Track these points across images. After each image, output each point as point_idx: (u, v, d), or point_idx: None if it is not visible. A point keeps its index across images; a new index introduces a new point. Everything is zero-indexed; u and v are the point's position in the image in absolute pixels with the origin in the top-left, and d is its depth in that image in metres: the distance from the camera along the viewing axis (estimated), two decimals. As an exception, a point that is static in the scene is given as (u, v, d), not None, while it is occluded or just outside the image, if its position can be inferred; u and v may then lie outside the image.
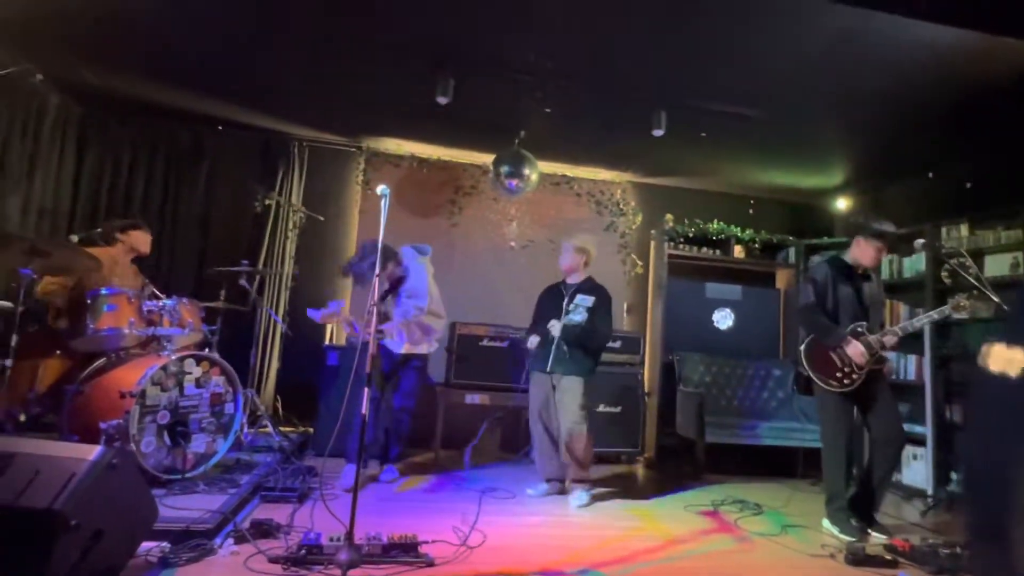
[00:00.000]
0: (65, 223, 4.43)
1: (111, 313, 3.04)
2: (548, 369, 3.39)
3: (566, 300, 3.47)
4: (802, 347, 3.17)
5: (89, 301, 3.03)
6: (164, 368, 2.90)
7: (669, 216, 5.27)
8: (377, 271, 2.48)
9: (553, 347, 3.36)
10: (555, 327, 3.38)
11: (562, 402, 3.37)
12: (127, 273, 3.60)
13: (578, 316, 3.36)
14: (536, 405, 3.49)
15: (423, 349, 3.58)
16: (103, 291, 3.07)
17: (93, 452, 1.84)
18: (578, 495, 3.35)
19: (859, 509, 3.10)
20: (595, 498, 3.42)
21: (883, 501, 3.19)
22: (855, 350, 2.99)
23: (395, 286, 3.51)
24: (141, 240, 3.63)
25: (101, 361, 3.06)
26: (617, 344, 4.61)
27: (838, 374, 3.04)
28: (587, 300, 3.40)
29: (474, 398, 4.31)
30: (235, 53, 3.64)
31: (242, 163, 4.90)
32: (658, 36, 3.12)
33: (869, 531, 3.06)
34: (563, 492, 3.50)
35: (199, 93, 4.26)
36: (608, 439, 4.43)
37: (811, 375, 3.11)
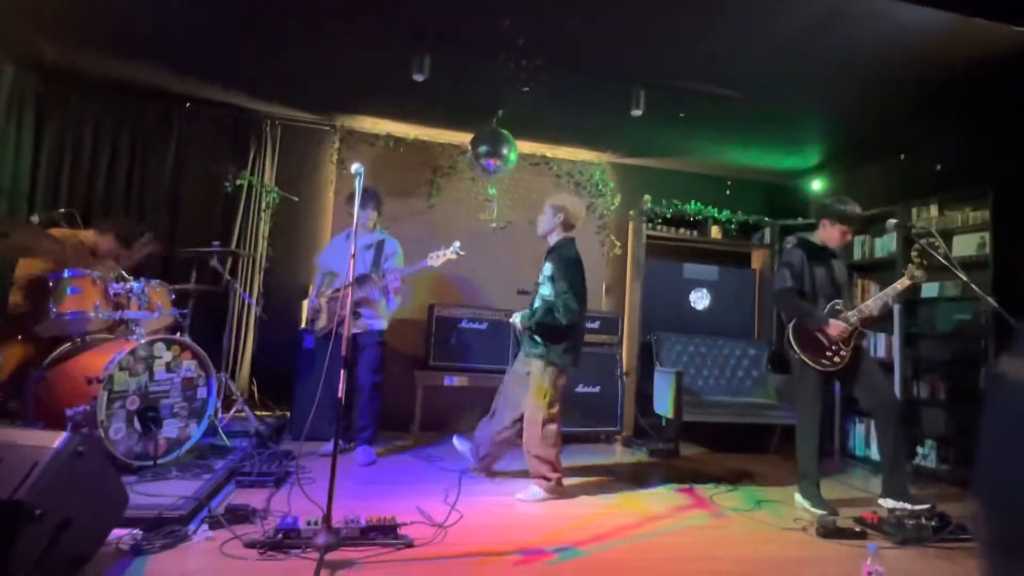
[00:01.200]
0: (25, 203, 4.25)
1: (75, 296, 2.93)
2: (521, 350, 3.28)
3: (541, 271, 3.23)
4: (789, 330, 3.17)
5: (51, 284, 2.92)
6: (133, 352, 2.82)
7: (647, 197, 5.27)
8: (352, 250, 2.43)
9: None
10: (515, 320, 3.22)
11: (528, 388, 3.13)
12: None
13: (546, 290, 3.11)
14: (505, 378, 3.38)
15: (382, 324, 3.66)
16: (66, 273, 2.95)
17: (58, 439, 1.78)
18: (528, 489, 3.07)
19: (894, 491, 3.03)
20: (555, 494, 3.07)
21: (909, 473, 3.14)
22: (836, 328, 3.05)
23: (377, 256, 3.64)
24: (93, 237, 3.48)
25: (66, 346, 2.96)
26: (596, 324, 4.63)
27: (828, 353, 3.09)
28: (547, 268, 3.13)
29: (452, 380, 4.30)
30: (203, 27, 3.49)
31: (212, 141, 4.74)
32: (638, 14, 3.07)
33: (907, 505, 2.93)
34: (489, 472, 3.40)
35: (165, 68, 4.10)
36: (587, 418, 4.47)
37: (802, 357, 3.10)
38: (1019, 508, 0.52)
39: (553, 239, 3.22)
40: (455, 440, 3.51)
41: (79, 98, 4.45)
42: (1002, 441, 0.54)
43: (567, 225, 3.20)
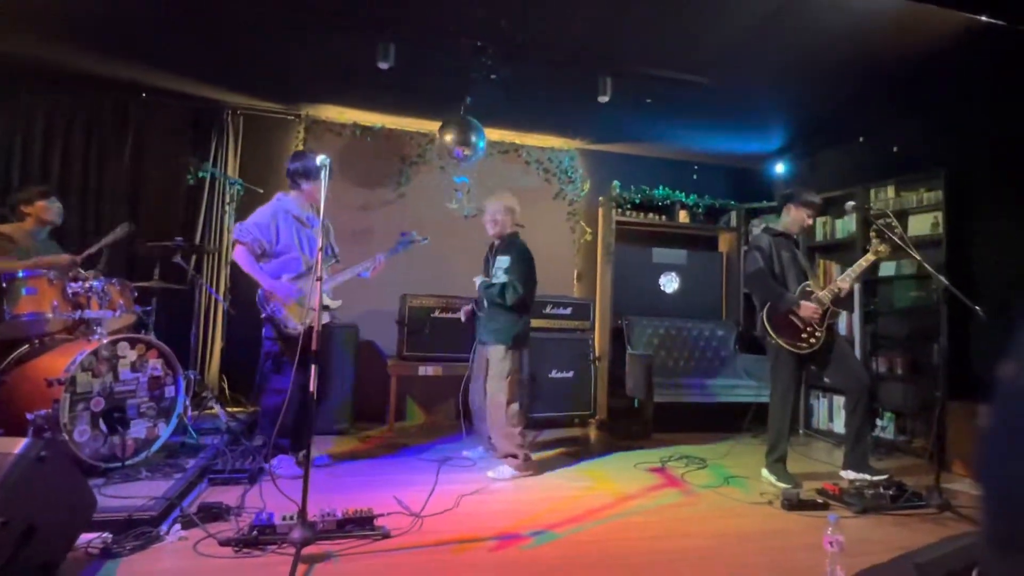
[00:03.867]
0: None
1: (31, 297, 2.82)
2: (477, 337, 3.50)
3: (491, 263, 3.49)
4: (763, 316, 3.24)
5: (4, 285, 2.81)
6: (95, 353, 2.75)
7: (616, 183, 5.31)
8: (320, 244, 2.39)
9: (480, 313, 3.46)
10: (477, 280, 3.47)
11: (489, 373, 3.33)
12: (47, 251, 3.35)
13: (502, 276, 3.34)
14: (471, 372, 3.57)
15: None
16: (20, 274, 2.84)
17: (19, 445, 1.74)
18: (498, 468, 3.24)
19: (855, 463, 3.18)
20: (529, 470, 3.26)
21: (870, 445, 3.31)
22: (808, 310, 3.14)
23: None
24: (45, 210, 3.30)
25: (24, 348, 2.86)
26: (568, 311, 4.68)
27: (803, 335, 3.17)
28: (504, 261, 3.36)
29: (427, 370, 4.30)
30: (158, 14, 3.36)
31: (171, 133, 4.59)
32: (602, 1, 3.08)
33: (866, 476, 3.10)
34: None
35: (120, 57, 3.94)
36: (561, 403, 4.53)
37: (778, 342, 3.18)
38: (1021, 507, 0.56)
39: (504, 233, 3.50)
40: (465, 454, 3.60)
41: (26, 90, 4.25)
42: (1005, 441, 0.58)
43: (515, 222, 3.53)
